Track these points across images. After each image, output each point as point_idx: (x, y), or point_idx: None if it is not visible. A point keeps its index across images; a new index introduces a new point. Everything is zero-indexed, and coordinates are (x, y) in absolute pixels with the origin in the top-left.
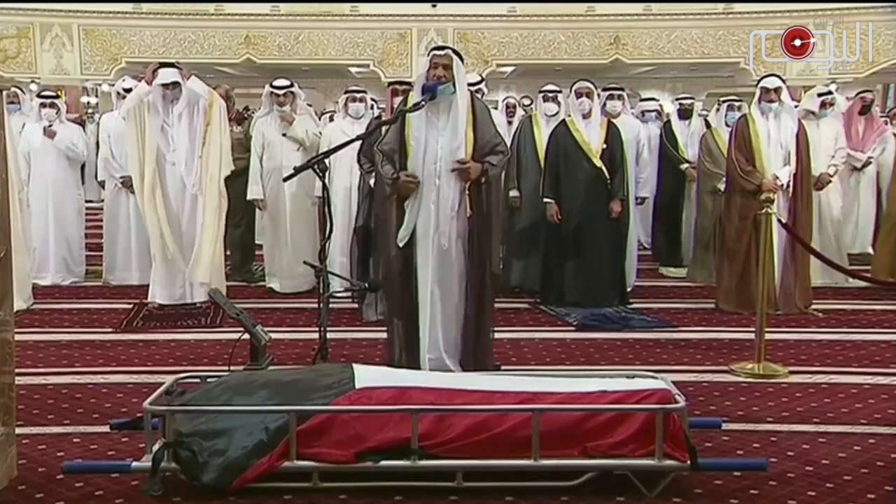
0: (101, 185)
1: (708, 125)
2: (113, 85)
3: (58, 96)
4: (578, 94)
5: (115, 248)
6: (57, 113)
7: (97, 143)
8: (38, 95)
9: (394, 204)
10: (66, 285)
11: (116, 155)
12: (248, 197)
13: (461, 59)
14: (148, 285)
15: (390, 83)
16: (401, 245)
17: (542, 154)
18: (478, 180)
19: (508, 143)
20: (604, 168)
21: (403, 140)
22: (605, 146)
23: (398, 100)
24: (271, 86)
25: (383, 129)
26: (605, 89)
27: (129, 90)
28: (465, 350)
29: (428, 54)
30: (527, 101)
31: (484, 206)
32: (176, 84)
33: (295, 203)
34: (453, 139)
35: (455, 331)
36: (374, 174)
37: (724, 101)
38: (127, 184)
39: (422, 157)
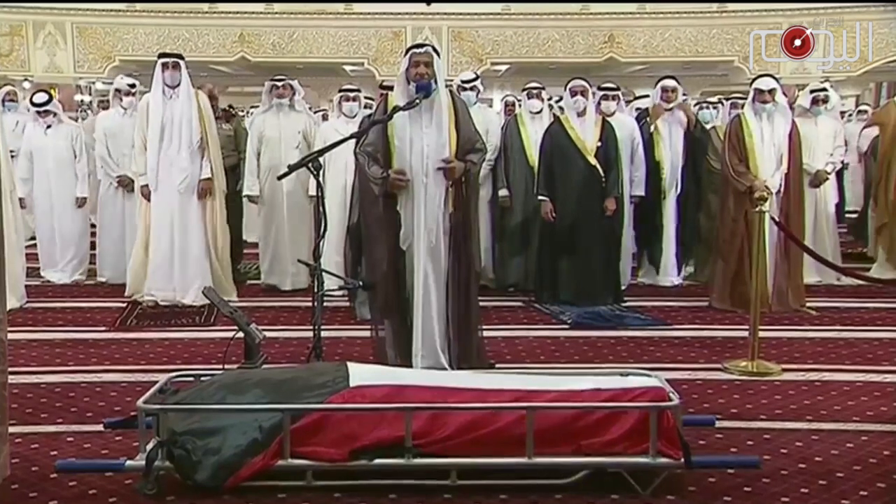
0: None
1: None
2: (108, 83)
3: (51, 99)
4: (573, 93)
5: (109, 246)
6: (54, 116)
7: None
8: (32, 103)
9: (381, 204)
10: (67, 283)
11: (113, 154)
12: (245, 193)
13: (438, 54)
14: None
15: (382, 85)
16: (405, 248)
17: (529, 152)
18: (459, 178)
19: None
20: (598, 166)
21: (387, 140)
22: (599, 144)
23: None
24: (272, 78)
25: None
26: (600, 88)
27: (129, 89)
28: (457, 347)
29: (406, 53)
30: (511, 99)
31: (465, 203)
32: (175, 76)
33: (292, 201)
34: (438, 136)
35: (446, 328)
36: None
37: (728, 100)
38: (123, 182)
39: (408, 156)
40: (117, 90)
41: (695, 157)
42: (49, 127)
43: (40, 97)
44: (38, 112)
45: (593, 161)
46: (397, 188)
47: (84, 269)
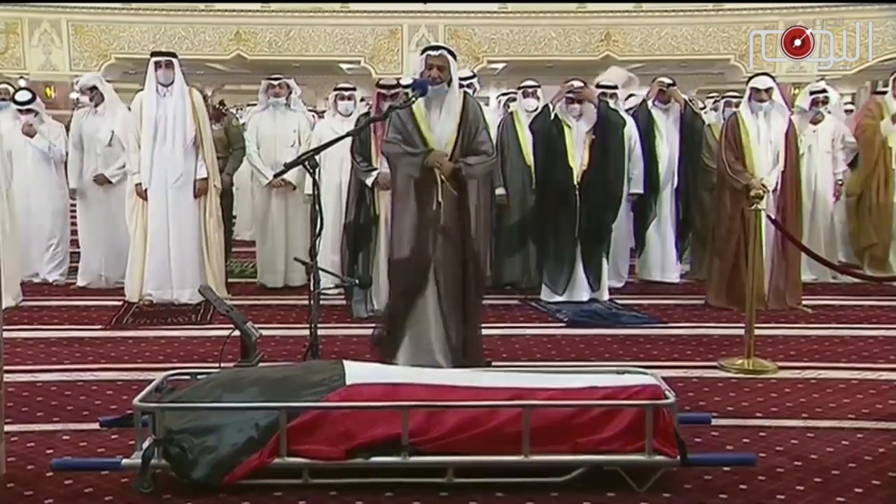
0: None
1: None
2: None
3: (34, 98)
4: (570, 101)
5: (90, 248)
6: (36, 115)
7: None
8: (13, 101)
9: (411, 186)
10: (55, 282)
11: (86, 153)
12: (265, 184)
13: (455, 57)
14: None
15: (377, 84)
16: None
17: (526, 151)
18: (458, 178)
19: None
20: (575, 172)
21: (420, 132)
22: (593, 136)
23: (385, 104)
24: (268, 78)
25: (377, 125)
26: (598, 86)
27: (93, 88)
28: (454, 346)
29: (422, 54)
30: (504, 99)
31: (466, 202)
32: (169, 75)
33: (286, 199)
34: (442, 135)
35: (444, 327)
36: (369, 171)
37: (722, 98)
38: (99, 181)
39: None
40: (89, 89)
41: (690, 144)
42: (30, 125)
43: (23, 95)
44: (20, 111)
45: (572, 164)
46: (440, 159)
47: (64, 271)
